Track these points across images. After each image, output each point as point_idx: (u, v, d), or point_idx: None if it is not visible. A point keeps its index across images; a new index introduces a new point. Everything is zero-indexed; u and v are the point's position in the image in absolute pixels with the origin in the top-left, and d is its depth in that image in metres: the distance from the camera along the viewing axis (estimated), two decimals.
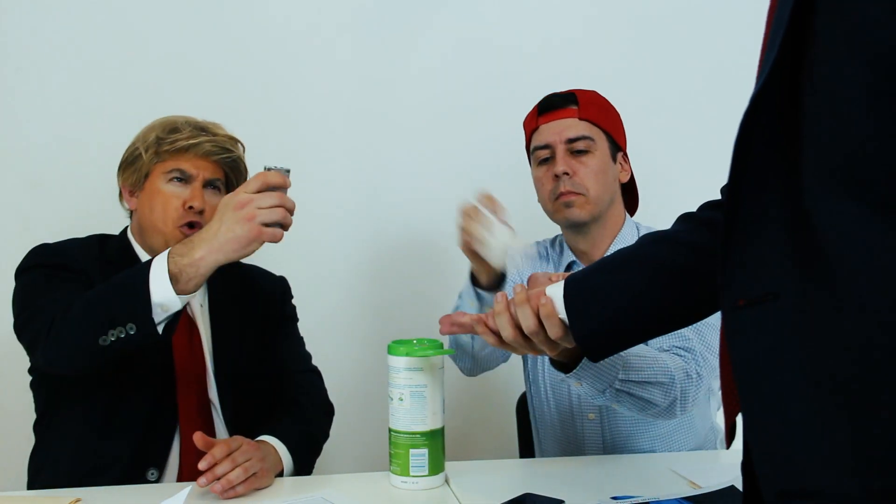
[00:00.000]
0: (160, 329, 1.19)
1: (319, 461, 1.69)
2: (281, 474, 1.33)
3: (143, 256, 1.46)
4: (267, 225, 1.17)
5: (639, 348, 1.28)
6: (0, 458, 1.78)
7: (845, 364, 0.59)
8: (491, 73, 2.08)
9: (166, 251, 1.22)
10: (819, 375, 0.61)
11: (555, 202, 1.51)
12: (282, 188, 1.20)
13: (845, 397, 0.59)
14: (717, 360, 1.37)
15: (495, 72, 2.08)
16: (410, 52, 2.06)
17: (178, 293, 1.17)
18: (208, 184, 1.45)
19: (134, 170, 1.44)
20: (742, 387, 0.68)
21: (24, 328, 1.30)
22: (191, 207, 1.41)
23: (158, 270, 1.17)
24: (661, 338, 1.39)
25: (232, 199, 1.18)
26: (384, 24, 2.05)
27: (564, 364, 1.16)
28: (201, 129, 1.45)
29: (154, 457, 1.35)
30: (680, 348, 1.38)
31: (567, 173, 1.49)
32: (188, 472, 1.36)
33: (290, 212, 1.20)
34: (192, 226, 1.42)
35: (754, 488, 0.69)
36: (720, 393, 1.41)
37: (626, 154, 1.60)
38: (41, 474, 1.38)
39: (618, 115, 1.60)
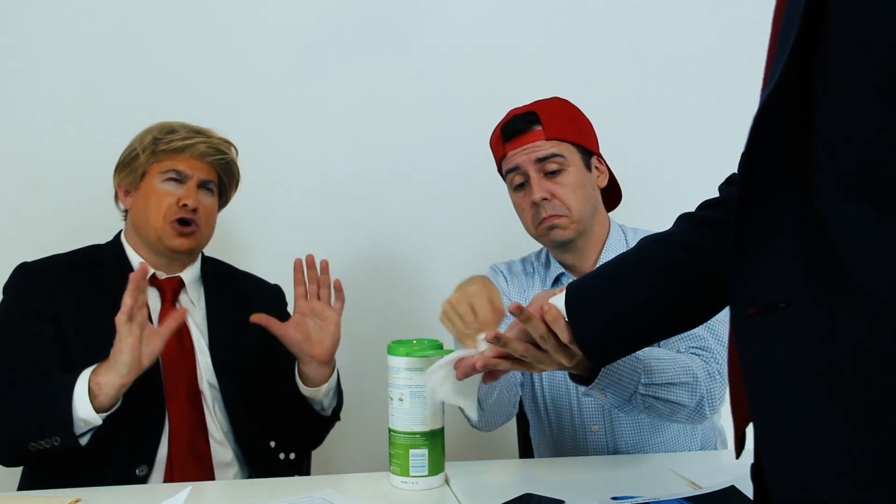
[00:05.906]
0: (84, 441, 1.25)
1: (319, 461, 1.70)
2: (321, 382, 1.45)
3: (135, 258, 1.47)
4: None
5: (656, 352, 1.27)
6: None
7: (861, 373, 0.57)
8: (490, 74, 2.08)
9: (90, 369, 1.26)
10: (834, 385, 0.59)
11: (538, 227, 1.47)
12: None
13: (861, 407, 0.57)
14: None
15: (495, 73, 2.08)
16: (410, 54, 2.06)
17: (96, 410, 1.24)
18: (202, 185, 1.48)
19: (130, 170, 1.47)
20: (753, 396, 0.66)
21: None
22: (185, 205, 1.43)
23: (80, 389, 1.24)
24: (674, 340, 1.38)
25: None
26: (382, 26, 2.05)
27: (585, 378, 1.15)
28: (196, 131, 1.50)
29: (142, 452, 1.34)
30: (697, 348, 1.36)
31: (546, 198, 1.44)
32: (178, 467, 1.36)
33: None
34: (185, 223, 1.43)
35: (765, 495, 0.67)
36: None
37: (600, 156, 1.54)
38: (29, 471, 1.38)
39: (584, 118, 1.53)
